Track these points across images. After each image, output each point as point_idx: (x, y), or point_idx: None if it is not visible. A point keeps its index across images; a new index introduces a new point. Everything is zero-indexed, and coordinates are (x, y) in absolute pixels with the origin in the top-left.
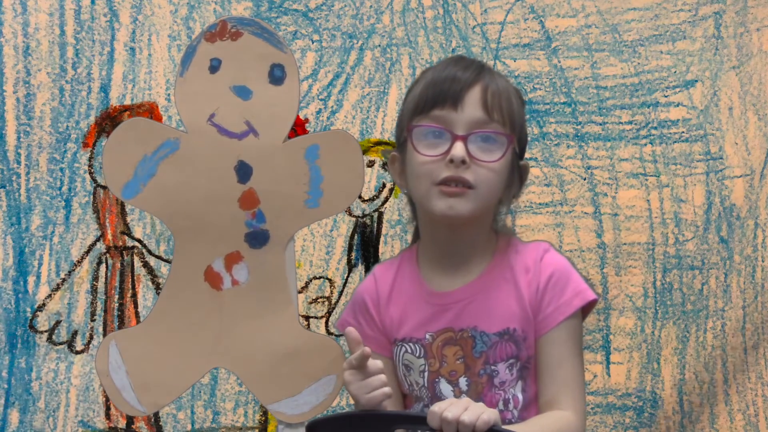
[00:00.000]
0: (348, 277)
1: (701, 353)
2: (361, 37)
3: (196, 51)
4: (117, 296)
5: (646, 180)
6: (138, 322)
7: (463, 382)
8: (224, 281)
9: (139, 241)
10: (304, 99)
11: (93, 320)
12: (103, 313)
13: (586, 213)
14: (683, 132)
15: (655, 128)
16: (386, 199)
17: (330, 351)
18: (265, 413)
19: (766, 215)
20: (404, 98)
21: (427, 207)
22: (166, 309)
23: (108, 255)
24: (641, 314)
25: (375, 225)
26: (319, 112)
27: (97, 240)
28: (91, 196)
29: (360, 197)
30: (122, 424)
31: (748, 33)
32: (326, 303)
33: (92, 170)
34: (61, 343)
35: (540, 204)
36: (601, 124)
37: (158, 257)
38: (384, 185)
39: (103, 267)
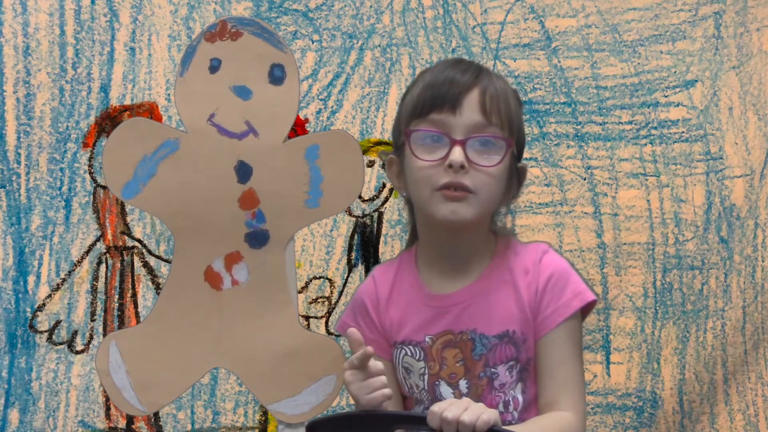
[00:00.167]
0: (348, 277)
1: (701, 353)
2: (361, 37)
3: (196, 51)
4: (117, 296)
5: (646, 180)
6: (138, 322)
7: (463, 384)
8: (224, 281)
9: (139, 241)
10: (304, 99)
11: (93, 320)
12: (103, 313)
13: (586, 213)
14: (683, 132)
15: (655, 128)
16: (386, 199)
17: (330, 351)
18: (265, 413)
19: (766, 215)
20: (401, 100)
21: (428, 212)
22: (166, 309)
23: (108, 255)
24: (641, 314)
25: (375, 225)
26: (319, 112)
27: (97, 240)
28: (91, 196)
29: (360, 197)
30: (122, 424)
31: (748, 33)
32: (326, 303)
33: (92, 170)
34: (61, 343)
35: (540, 204)
36: (601, 124)
37: (158, 257)
38: (384, 185)
39: (103, 267)
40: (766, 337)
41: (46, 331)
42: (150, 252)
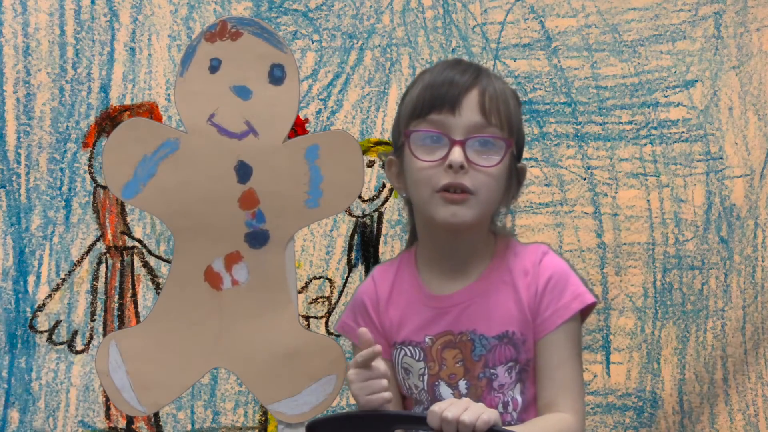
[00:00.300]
0: (348, 277)
1: (701, 353)
2: (361, 37)
3: (196, 51)
4: (117, 296)
5: (646, 180)
6: (138, 322)
7: (462, 385)
8: (224, 281)
9: (139, 241)
10: (304, 99)
11: (93, 320)
12: (103, 313)
13: (586, 213)
14: (683, 132)
15: (655, 128)
16: (386, 199)
17: (330, 351)
18: (265, 413)
19: (766, 215)
20: (401, 100)
21: (428, 213)
22: (166, 309)
23: (108, 255)
24: (641, 314)
25: (375, 225)
26: (319, 112)
27: (97, 240)
28: (91, 196)
29: (360, 197)
30: (122, 424)
31: (748, 33)
32: (326, 303)
33: (92, 170)
34: (61, 343)
35: (540, 204)
36: (601, 124)
37: (158, 257)
38: (384, 185)
39: (103, 267)
40: (766, 337)
41: (46, 331)
42: (150, 252)
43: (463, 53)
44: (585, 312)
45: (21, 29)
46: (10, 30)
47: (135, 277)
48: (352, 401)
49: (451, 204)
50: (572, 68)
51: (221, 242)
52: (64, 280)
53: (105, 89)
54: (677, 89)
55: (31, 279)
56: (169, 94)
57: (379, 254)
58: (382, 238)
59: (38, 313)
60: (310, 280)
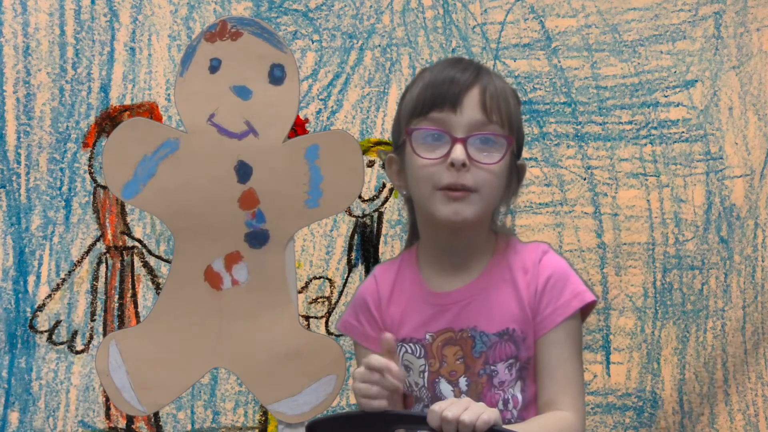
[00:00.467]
0: (348, 277)
1: (701, 353)
2: (361, 37)
3: (196, 51)
4: (117, 296)
5: (646, 180)
6: (138, 322)
7: (462, 382)
8: (224, 281)
9: (139, 241)
10: (304, 99)
11: (93, 320)
12: (103, 313)
13: (586, 213)
14: (683, 132)
15: (655, 128)
16: (386, 199)
17: (330, 351)
18: (265, 413)
19: (766, 215)
20: (401, 99)
21: (430, 211)
22: (166, 309)
23: (108, 255)
24: (641, 314)
25: (375, 225)
26: (319, 112)
27: (97, 240)
28: (91, 196)
29: (360, 197)
30: (122, 424)
31: (748, 33)
32: (326, 303)
33: (92, 170)
34: (61, 343)
35: (540, 204)
36: (601, 124)
37: (158, 257)
38: (384, 185)
39: (103, 267)
40: (766, 337)
41: (46, 331)
42: (150, 252)
43: (463, 53)
44: (585, 311)
45: (21, 29)
46: (10, 30)
47: (135, 277)
48: (353, 401)
49: (452, 201)
50: (572, 68)
51: (221, 242)
52: (64, 280)
53: (105, 89)
54: (677, 89)
55: (31, 279)
56: (169, 94)
57: (379, 254)
58: (382, 238)
59: (38, 313)
60: (310, 280)
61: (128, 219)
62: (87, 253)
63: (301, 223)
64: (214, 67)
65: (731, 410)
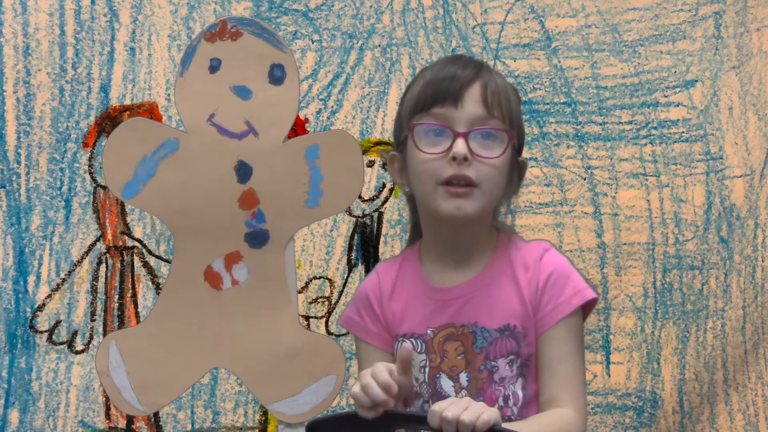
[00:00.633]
0: (348, 277)
1: (701, 353)
2: (361, 37)
3: (196, 51)
4: (117, 296)
5: (646, 180)
6: (138, 322)
7: (463, 377)
8: (224, 281)
9: (139, 241)
10: (304, 99)
11: (93, 320)
12: (103, 313)
13: (586, 213)
14: (683, 132)
15: (655, 128)
16: (386, 199)
17: (330, 351)
18: (265, 413)
19: (766, 215)
20: (402, 97)
21: (432, 207)
22: (166, 309)
23: (108, 255)
24: (641, 314)
25: (375, 225)
26: (319, 112)
27: (97, 240)
28: (91, 196)
29: (360, 197)
30: (122, 424)
31: (748, 33)
32: (326, 303)
33: (92, 170)
34: (61, 343)
35: (540, 204)
36: (601, 124)
37: (158, 257)
38: (384, 185)
39: (103, 267)
40: (766, 337)
41: (46, 331)
42: (150, 252)
43: (463, 53)
44: (586, 308)
45: (21, 29)
46: (10, 30)
47: (135, 277)
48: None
49: (455, 197)
50: (572, 68)
51: (221, 242)
52: (64, 280)
53: (105, 89)
54: (677, 89)
55: (31, 279)
56: (169, 94)
57: (379, 254)
58: (382, 238)
59: (38, 313)
60: (310, 280)
61: (128, 219)
62: (87, 253)
63: (301, 223)
64: (214, 67)
65: (731, 410)
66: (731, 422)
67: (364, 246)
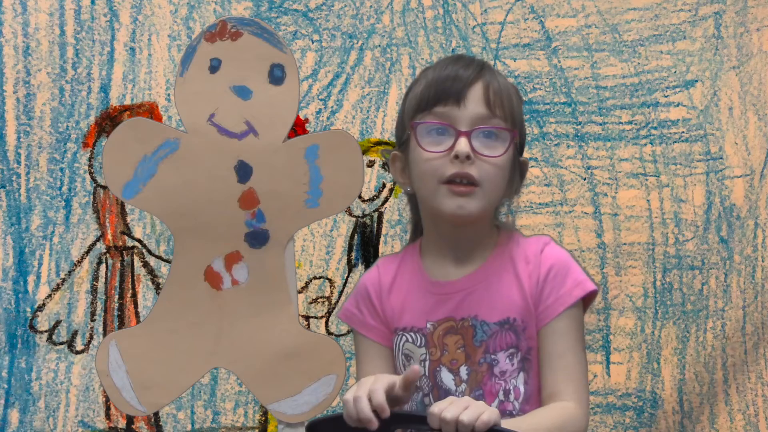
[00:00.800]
0: (348, 277)
1: (701, 353)
2: (361, 37)
3: (196, 51)
4: (117, 296)
5: (646, 180)
6: (138, 322)
7: (463, 370)
8: (224, 281)
9: (139, 241)
10: (304, 99)
11: (93, 320)
12: (103, 313)
13: (586, 213)
14: (683, 132)
15: (655, 128)
16: (386, 199)
17: (330, 351)
18: (265, 413)
19: (766, 215)
20: (404, 97)
21: (434, 206)
22: (166, 309)
23: (108, 255)
24: (641, 314)
25: (375, 225)
26: (319, 112)
27: (97, 240)
28: (91, 196)
29: (360, 197)
30: (122, 424)
31: (748, 33)
32: (326, 303)
33: (92, 170)
34: (61, 343)
35: (540, 204)
36: (601, 124)
37: (158, 257)
38: (384, 185)
39: (103, 267)
40: (766, 337)
41: (46, 331)
42: (150, 252)
43: (463, 53)
44: (586, 302)
45: (21, 29)
46: (10, 30)
47: (135, 277)
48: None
49: (457, 196)
50: (572, 68)
51: (221, 242)
52: (64, 280)
53: (105, 89)
54: (677, 89)
55: (31, 279)
56: (169, 94)
57: (379, 254)
58: (382, 238)
59: (38, 313)
60: (310, 280)
61: (128, 219)
62: (87, 253)
63: (301, 223)
64: (214, 67)
65: (731, 410)
66: (731, 422)
67: (364, 246)
